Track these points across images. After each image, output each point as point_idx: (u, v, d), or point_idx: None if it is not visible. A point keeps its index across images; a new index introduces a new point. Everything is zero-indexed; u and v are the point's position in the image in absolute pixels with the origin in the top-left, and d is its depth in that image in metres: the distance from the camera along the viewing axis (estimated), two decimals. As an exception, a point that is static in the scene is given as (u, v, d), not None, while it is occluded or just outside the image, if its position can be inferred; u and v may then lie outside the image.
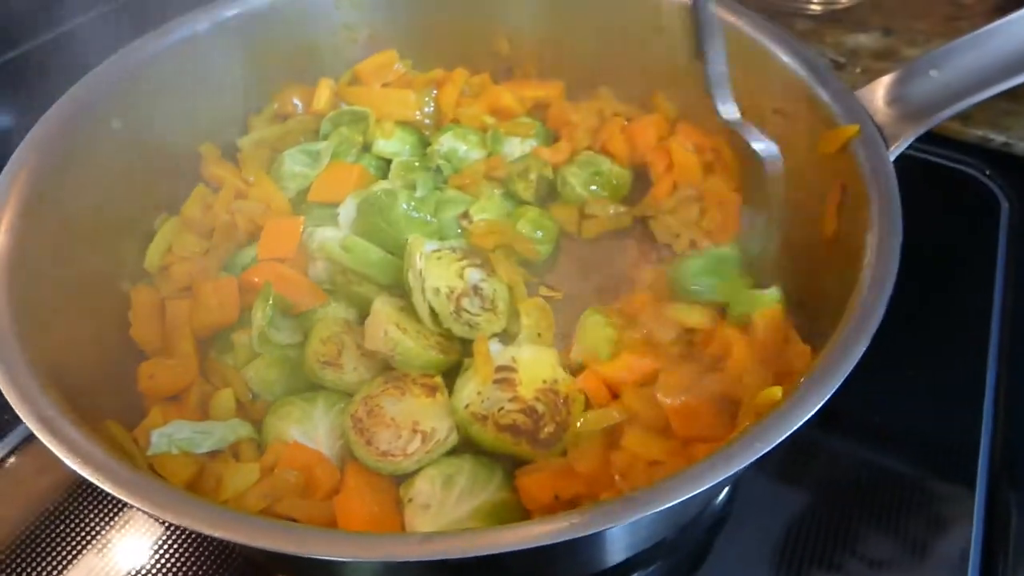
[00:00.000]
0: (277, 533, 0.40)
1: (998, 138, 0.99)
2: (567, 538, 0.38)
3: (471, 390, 0.63)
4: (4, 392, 0.48)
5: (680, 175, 0.85)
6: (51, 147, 0.66)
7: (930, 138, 0.98)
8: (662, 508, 0.40)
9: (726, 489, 0.71)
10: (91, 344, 0.65)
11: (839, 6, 1.18)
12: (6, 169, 0.63)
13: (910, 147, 0.99)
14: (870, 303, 0.50)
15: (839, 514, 0.69)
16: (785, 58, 0.74)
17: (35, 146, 0.65)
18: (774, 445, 0.43)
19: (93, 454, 0.45)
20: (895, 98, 0.65)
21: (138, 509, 0.42)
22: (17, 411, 0.47)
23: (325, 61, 0.93)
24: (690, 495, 0.40)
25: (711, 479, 0.41)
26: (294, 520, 0.59)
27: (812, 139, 0.69)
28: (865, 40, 1.14)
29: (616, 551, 0.58)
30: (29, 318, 0.56)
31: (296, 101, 0.92)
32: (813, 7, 1.18)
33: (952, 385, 0.78)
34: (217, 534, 0.40)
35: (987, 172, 0.96)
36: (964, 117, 1.00)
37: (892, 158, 0.62)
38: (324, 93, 0.91)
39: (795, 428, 0.44)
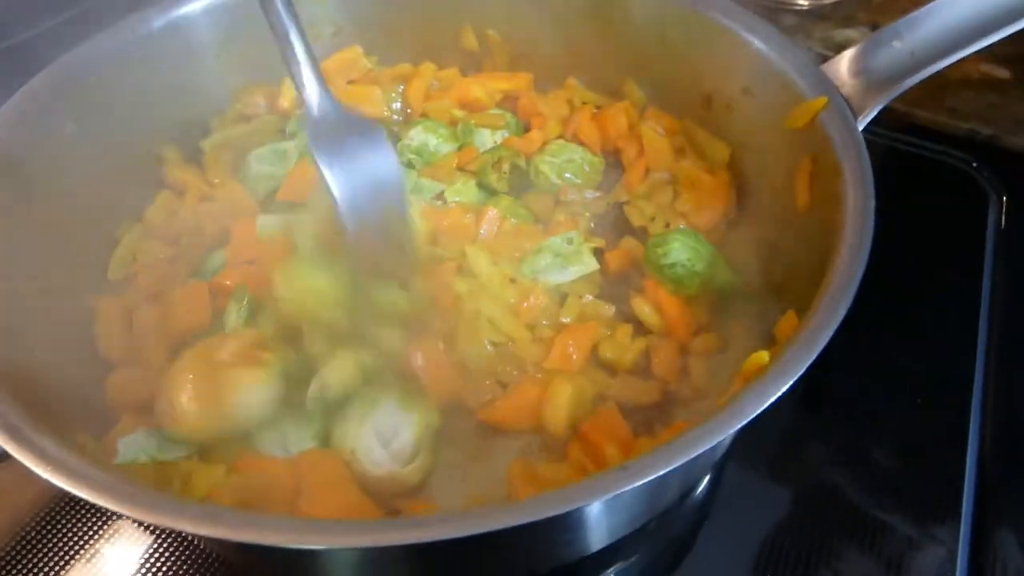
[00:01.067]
0: (258, 524, 0.38)
1: (985, 131, 1.00)
2: (550, 515, 0.37)
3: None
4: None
5: (652, 160, 0.85)
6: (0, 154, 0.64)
7: (919, 131, 1.00)
8: (652, 478, 0.39)
9: (707, 477, 0.70)
10: (56, 355, 0.63)
11: (826, 1, 1.19)
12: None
13: (899, 140, 1.00)
14: (848, 266, 0.50)
15: (826, 509, 0.68)
16: (749, 36, 0.75)
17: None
18: (763, 409, 0.43)
19: (66, 461, 0.43)
20: (860, 69, 0.66)
21: (123, 515, 0.40)
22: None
23: (289, 59, 0.91)
24: (683, 461, 0.40)
25: (700, 447, 0.41)
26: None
27: (781, 115, 0.70)
28: (852, 35, 1.14)
29: (598, 534, 0.57)
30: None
31: (260, 101, 0.90)
32: (800, 2, 1.19)
33: (940, 377, 0.77)
34: (202, 532, 0.38)
35: (975, 164, 0.97)
36: (952, 110, 1.01)
37: (861, 128, 0.62)
38: (289, 92, 0.89)
39: (784, 390, 0.43)
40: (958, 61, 0.61)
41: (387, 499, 0.60)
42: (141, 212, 0.80)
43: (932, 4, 0.63)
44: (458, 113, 0.91)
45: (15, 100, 0.67)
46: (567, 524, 0.50)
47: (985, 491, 0.67)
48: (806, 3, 1.19)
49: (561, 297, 0.75)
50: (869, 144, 0.63)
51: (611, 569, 0.65)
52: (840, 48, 1.04)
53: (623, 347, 0.71)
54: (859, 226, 0.53)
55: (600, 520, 0.56)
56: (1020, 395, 0.75)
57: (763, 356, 0.48)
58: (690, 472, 0.61)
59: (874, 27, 1.16)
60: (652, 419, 0.68)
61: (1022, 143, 0.98)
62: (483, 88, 0.92)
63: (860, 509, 0.67)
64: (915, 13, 0.63)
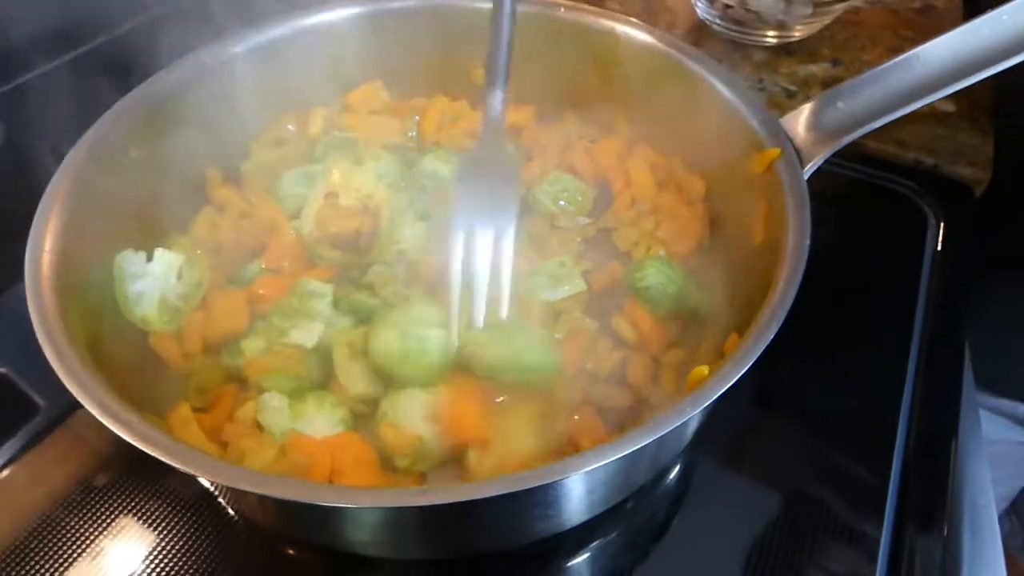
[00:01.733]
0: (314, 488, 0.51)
1: (928, 160, 1.10)
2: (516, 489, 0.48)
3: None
4: (68, 385, 0.56)
5: (637, 191, 0.96)
6: (82, 175, 0.75)
7: (869, 160, 1.11)
8: (606, 462, 0.50)
9: (679, 464, 0.81)
10: (121, 349, 0.74)
11: (793, 38, 1.29)
12: (47, 194, 0.72)
13: (853, 169, 1.11)
14: (782, 292, 0.61)
15: (782, 496, 0.77)
16: (726, 92, 0.85)
17: (70, 174, 0.74)
18: (699, 410, 0.53)
19: (151, 435, 0.54)
20: (812, 124, 0.76)
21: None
22: (82, 401, 0.55)
23: (318, 91, 1.02)
24: (622, 454, 0.51)
25: (641, 441, 0.52)
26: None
27: (745, 160, 0.80)
28: (815, 70, 1.25)
29: (576, 510, 0.67)
30: (75, 326, 0.65)
31: (292, 128, 1.01)
32: (769, 39, 1.29)
33: (876, 382, 0.87)
34: (258, 491, 0.50)
35: (918, 191, 1.07)
36: (899, 142, 1.12)
37: (807, 176, 0.73)
38: (317, 120, 1.01)
39: (717, 396, 0.54)
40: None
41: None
42: (187, 225, 0.91)
43: (870, 72, 0.73)
44: (468, 143, 1.02)
45: (91, 131, 0.78)
46: (540, 499, 0.61)
47: (908, 487, 0.77)
48: (774, 40, 1.29)
49: (555, 315, 0.86)
50: (823, 172, 0.73)
51: (593, 543, 0.75)
52: (804, 83, 1.14)
53: (603, 358, 0.82)
54: (794, 261, 0.63)
55: (574, 498, 0.65)
56: (942, 396, 0.85)
57: (703, 370, 0.59)
58: (653, 458, 0.71)
59: (835, 63, 1.26)
60: (625, 420, 0.79)
61: (960, 171, 1.09)
62: (490, 121, 1.02)
63: (809, 497, 0.77)
64: (855, 79, 0.73)
